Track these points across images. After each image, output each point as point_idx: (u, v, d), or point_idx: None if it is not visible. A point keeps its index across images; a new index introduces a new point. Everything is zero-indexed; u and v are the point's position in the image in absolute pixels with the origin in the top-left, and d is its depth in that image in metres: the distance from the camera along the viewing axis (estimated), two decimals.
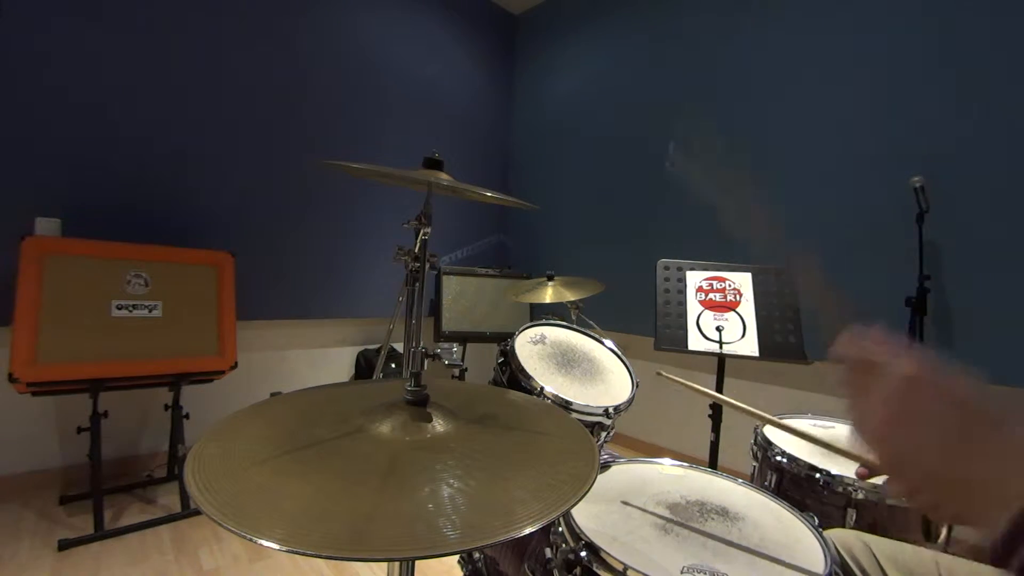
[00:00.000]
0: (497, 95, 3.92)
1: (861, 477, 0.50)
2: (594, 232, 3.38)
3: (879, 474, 0.45)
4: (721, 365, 1.75)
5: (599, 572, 0.72)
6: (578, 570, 0.74)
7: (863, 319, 0.49)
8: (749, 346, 1.61)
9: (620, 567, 0.70)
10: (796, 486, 1.14)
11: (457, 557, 1.34)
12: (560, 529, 0.81)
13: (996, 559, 0.35)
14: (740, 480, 1.02)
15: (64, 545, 1.78)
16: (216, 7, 2.47)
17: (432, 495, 0.52)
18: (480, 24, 3.77)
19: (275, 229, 2.75)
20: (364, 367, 3.11)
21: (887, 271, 2.08)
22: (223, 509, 0.46)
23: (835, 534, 0.92)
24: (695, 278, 1.75)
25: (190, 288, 2.17)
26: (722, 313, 1.68)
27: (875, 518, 1.05)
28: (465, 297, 3.24)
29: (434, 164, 1.26)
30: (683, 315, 1.70)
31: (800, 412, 1.47)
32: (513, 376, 1.24)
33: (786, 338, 1.61)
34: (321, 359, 3.08)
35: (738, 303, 1.69)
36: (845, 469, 1.10)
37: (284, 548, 0.41)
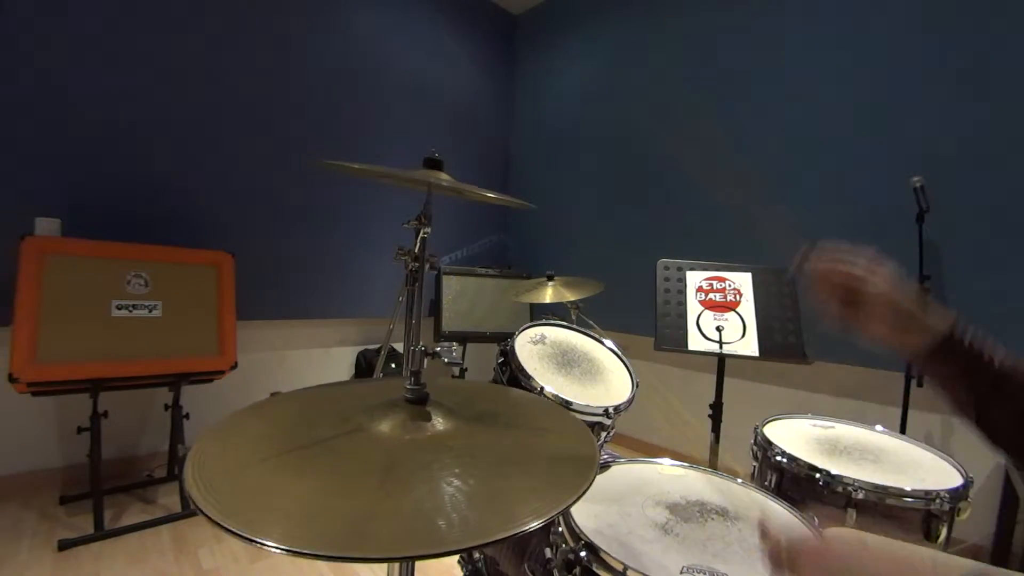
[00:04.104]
0: (497, 95, 3.92)
1: None
2: (594, 232, 3.38)
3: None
4: (721, 365, 1.75)
5: (599, 572, 0.72)
6: (578, 570, 0.74)
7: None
8: (749, 346, 1.61)
9: (620, 567, 0.70)
10: (796, 486, 1.14)
11: (457, 557, 1.34)
12: (560, 529, 0.81)
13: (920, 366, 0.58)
14: (740, 480, 1.02)
15: (64, 545, 1.78)
16: (216, 7, 2.47)
17: (431, 494, 0.52)
18: (480, 24, 3.77)
19: (275, 229, 2.75)
20: (364, 367, 3.12)
21: None
22: (223, 509, 0.46)
23: (835, 534, 0.92)
24: (695, 278, 1.75)
25: (190, 288, 2.17)
26: (722, 313, 1.68)
27: (875, 518, 1.05)
28: (465, 297, 3.24)
29: (434, 164, 1.26)
30: (683, 315, 1.70)
31: (800, 412, 1.47)
32: (513, 376, 1.23)
33: (786, 338, 1.60)
34: (321, 359, 3.08)
35: (738, 303, 1.69)
36: (845, 469, 1.10)
37: (283, 548, 0.41)
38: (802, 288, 0.70)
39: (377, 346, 3.22)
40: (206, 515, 0.45)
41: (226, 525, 0.43)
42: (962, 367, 0.61)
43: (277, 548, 0.41)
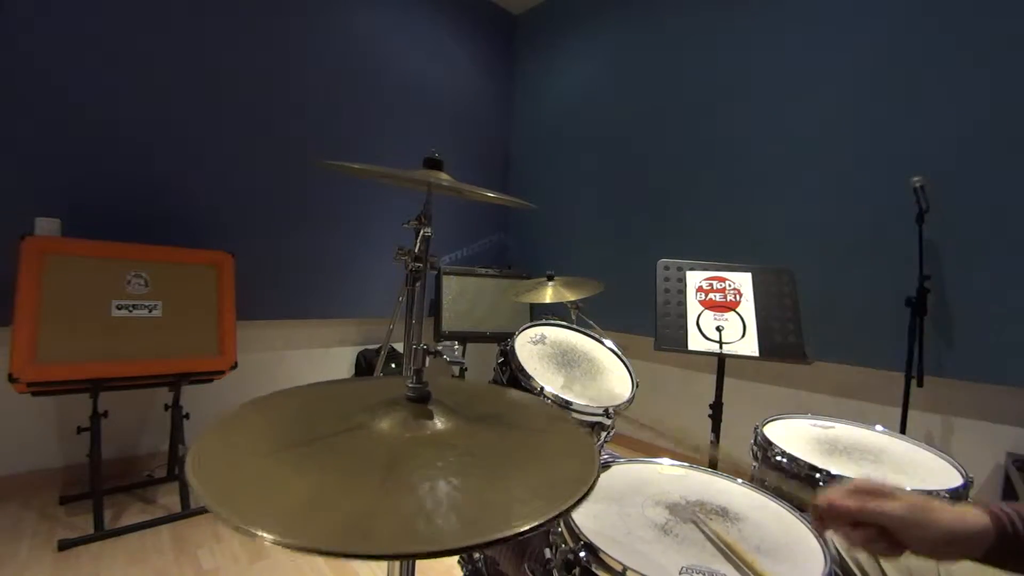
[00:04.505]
0: (497, 95, 3.92)
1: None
2: (594, 232, 3.38)
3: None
4: (721, 365, 1.75)
5: (598, 572, 0.72)
6: (577, 570, 0.74)
7: None
8: (749, 346, 1.61)
9: (619, 567, 0.70)
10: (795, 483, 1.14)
11: (457, 557, 1.34)
12: (559, 529, 0.81)
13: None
14: (740, 480, 1.02)
15: (64, 545, 1.78)
16: (216, 7, 2.48)
17: (432, 493, 0.52)
18: (480, 24, 3.77)
19: (275, 229, 2.75)
20: (364, 367, 3.12)
21: (887, 271, 2.09)
22: (224, 504, 0.46)
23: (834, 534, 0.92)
24: (695, 278, 1.75)
25: (190, 288, 2.17)
26: (722, 313, 1.68)
27: None
28: (465, 297, 3.24)
29: (434, 164, 1.26)
30: (683, 315, 1.70)
31: (800, 412, 1.47)
32: (513, 376, 1.23)
33: (786, 338, 1.60)
34: (321, 359, 3.08)
35: (738, 303, 1.69)
36: (845, 469, 1.10)
37: (283, 543, 0.41)
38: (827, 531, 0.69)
39: (377, 346, 3.22)
40: (209, 509, 0.45)
41: (227, 520, 0.43)
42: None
43: (278, 543, 0.41)
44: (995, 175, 1.90)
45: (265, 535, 0.42)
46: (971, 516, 0.58)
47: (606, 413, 1.19)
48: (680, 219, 2.90)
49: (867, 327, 2.18)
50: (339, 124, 2.96)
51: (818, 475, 1.09)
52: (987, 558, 0.57)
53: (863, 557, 0.86)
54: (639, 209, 3.12)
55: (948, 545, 0.57)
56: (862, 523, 0.61)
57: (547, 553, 0.84)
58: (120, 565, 1.74)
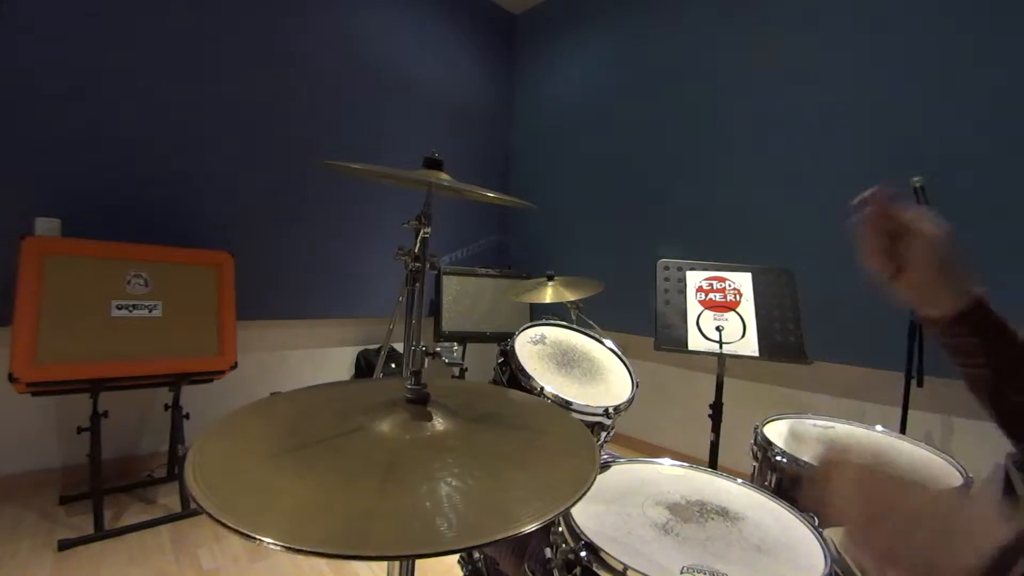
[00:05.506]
0: (497, 95, 3.92)
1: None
2: (594, 232, 3.38)
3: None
4: (721, 365, 1.75)
5: (599, 572, 0.72)
6: (578, 570, 0.74)
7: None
8: (749, 346, 1.61)
9: (620, 567, 0.70)
10: (796, 486, 1.14)
11: (457, 557, 1.34)
12: (560, 529, 0.81)
13: None
14: (740, 480, 1.02)
15: (64, 545, 1.78)
16: (216, 7, 2.47)
17: (431, 494, 0.52)
18: (480, 24, 3.77)
19: (275, 229, 2.75)
20: (364, 367, 3.11)
21: None
22: (223, 507, 0.46)
23: (835, 534, 0.92)
24: (695, 278, 1.75)
25: (190, 288, 2.17)
26: (722, 313, 1.68)
27: None
28: (465, 297, 3.24)
29: (434, 164, 1.26)
30: (683, 315, 1.70)
31: (800, 412, 1.47)
32: (513, 376, 1.23)
33: (786, 338, 1.60)
34: (321, 359, 3.08)
35: (738, 303, 1.68)
36: None
37: (284, 545, 0.41)
38: (852, 231, 0.65)
39: (377, 346, 3.22)
40: (207, 512, 0.45)
41: (227, 523, 0.43)
42: (986, 338, 0.57)
43: (278, 545, 0.41)
44: (995, 175, 1.90)
45: (267, 540, 0.42)
46: (972, 276, 0.56)
47: (606, 413, 1.19)
48: (680, 219, 2.90)
49: (867, 327, 2.17)
50: (339, 124, 2.96)
51: None
52: (959, 318, 0.57)
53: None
54: (639, 209, 3.11)
55: (947, 273, 0.57)
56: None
57: (547, 553, 0.84)
58: (120, 565, 1.74)
